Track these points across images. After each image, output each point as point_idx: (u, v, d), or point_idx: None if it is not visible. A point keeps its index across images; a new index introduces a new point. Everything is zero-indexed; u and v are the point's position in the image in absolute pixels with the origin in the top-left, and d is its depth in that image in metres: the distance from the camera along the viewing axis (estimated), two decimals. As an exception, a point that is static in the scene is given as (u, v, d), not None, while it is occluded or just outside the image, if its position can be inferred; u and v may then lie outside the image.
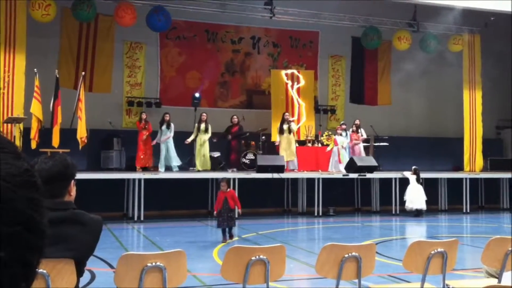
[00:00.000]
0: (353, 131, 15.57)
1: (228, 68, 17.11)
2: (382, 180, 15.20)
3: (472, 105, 16.95)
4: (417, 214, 14.10)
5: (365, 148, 15.99)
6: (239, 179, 13.30)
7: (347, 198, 15.83)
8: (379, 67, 18.58)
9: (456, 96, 17.43)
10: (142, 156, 14.01)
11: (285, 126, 14.63)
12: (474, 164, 16.78)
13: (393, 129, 17.51)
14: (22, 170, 0.71)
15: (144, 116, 14.28)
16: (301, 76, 16.61)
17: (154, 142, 14.11)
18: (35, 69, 12.04)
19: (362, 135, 15.65)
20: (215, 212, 9.64)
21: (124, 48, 15.85)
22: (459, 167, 17.28)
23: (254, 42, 17.33)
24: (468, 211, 15.23)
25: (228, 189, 9.68)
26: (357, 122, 15.65)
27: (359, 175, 14.42)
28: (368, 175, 14.48)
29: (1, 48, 12.00)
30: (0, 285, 0.66)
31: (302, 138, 15.84)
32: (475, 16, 15.90)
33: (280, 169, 13.62)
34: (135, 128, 14.58)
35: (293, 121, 15.25)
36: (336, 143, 15.20)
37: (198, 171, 14.13)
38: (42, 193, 0.73)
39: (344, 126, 15.61)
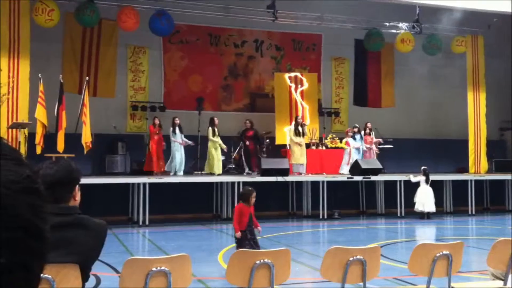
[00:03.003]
0: (366, 134, 15.63)
1: (231, 72, 17.12)
2: (387, 183, 15.17)
3: (476, 106, 16.92)
4: (422, 216, 14.07)
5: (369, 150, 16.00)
6: (243, 182, 13.29)
7: (352, 200, 15.82)
8: (382, 69, 18.57)
9: (459, 97, 17.40)
10: (158, 161, 14.03)
11: (300, 129, 14.63)
12: (479, 165, 16.74)
13: (397, 131, 17.47)
14: (24, 177, 0.71)
15: (157, 121, 14.20)
16: (304, 79, 16.61)
17: (184, 143, 14.07)
18: (39, 74, 12.10)
19: (374, 138, 15.76)
20: (237, 233, 6.99)
21: (127, 52, 15.88)
22: (463, 169, 17.23)
23: (257, 45, 17.35)
24: (474, 213, 15.18)
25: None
26: (369, 125, 15.73)
27: (363, 178, 14.41)
28: (373, 178, 14.47)
29: (6, 54, 12.06)
30: None
31: (306, 141, 15.83)
32: (478, 17, 15.87)
33: (284, 172, 13.61)
34: (139, 132, 14.63)
35: (306, 124, 15.22)
36: (348, 145, 15.28)
37: (219, 174, 14.09)
38: (45, 199, 0.73)
39: (356, 129, 15.65)
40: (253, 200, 7.11)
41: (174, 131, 14.13)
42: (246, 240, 7.01)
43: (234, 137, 15.20)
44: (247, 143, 14.88)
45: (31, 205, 0.70)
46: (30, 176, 0.72)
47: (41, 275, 0.73)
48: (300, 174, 14.61)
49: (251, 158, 14.90)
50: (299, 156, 14.53)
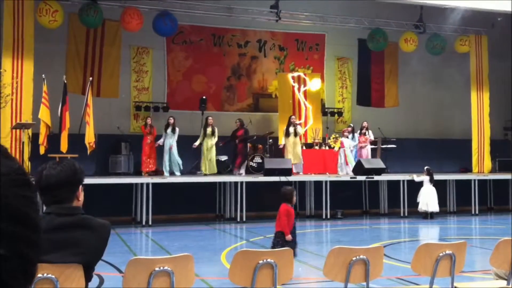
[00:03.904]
0: (361, 134, 15.59)
1: (234, 72, 17.12)
2: (390, 182, 15.15)
3: (480, 106, 16.89)
4: (425, 216, 14.05)
5: (373, 150, 15.95)
6: (247, 182, 13.32)
7: (355, 200, 15.80)
8: (386, 69, 18.54)
9: (463, 97, 17.37)
10: (148, 160, 14.08)
11: (291, 129, 14.64)
12: (482, 165, 16.71)
13: (400, 131, 17.46)
14: (14, 169, 0.74)
15: (149, 121, 14.36)
16: (307, 79, 16.61)
17: (157, 144, 14.15)
18: (43, 75, 12.13)
19: (370, 137, 15.67)
20: (288, 236, 6.65)
21: (131, 53, 15.90)
22: (467, 169, 17.22)
23: (260, 45, 17.35)
24: (477, 212, 15.16)
25: None
26: (365, 124, 15.67)
27: (367, 178, 14.40)
28: (376, 178, 14.45)
29: (9, 54, 12.10)
30: (1, 281, 0.68)
31: (309, 141, 15.83)
32: (481, 17, 15.84)
33: (287, 172, 13.62)
34: (142, 132, 14.63)
35: (299, 124, 15.26)
36: (342, 145, 15.23)
37: (205, 175, 14.16)
38: (35, 190, 0.77)
39: (350, 129, 15.64)
40: (294, 199, 6.73)
41: (165, 131, 14.15)
42: (294, 240, 6.57)
43: (226, 137, 15.08)
44: (236, 142, 14.85)
45: (23, 196, 0.73)
46: (20, 168, 0.75)
47: (38, 263, 0.76)
48: (297, 173, 14.61)
49: (236, 157, 14.86)
50: (291, 156, 14.50)
